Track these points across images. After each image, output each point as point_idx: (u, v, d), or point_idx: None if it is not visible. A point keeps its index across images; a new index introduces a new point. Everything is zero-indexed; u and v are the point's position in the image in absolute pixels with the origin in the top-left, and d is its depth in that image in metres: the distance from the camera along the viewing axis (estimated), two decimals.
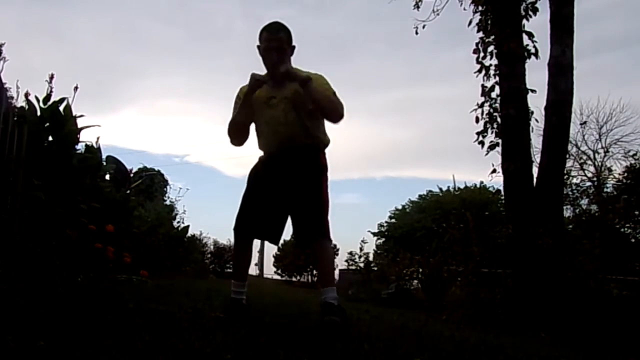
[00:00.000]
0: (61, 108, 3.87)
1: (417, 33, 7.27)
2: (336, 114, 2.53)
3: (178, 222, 8.42)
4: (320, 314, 2.40)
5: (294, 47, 2.60)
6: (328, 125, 2.66)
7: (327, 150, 2.70)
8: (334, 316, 2.31)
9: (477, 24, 6.14)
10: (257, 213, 2.58)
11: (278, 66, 2.52)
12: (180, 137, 47.15)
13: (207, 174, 39.98)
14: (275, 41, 2.53)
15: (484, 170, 7.13)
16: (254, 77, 2.52)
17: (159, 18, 41.81)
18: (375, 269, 10.00)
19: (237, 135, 2.69)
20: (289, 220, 2.65)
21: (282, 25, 2.58)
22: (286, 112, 2.54)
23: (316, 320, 2.45)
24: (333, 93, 2.56)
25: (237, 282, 2.63)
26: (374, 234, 20.25)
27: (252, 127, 2.72)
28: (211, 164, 49.29)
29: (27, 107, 3.71)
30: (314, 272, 15.39)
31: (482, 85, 6.15)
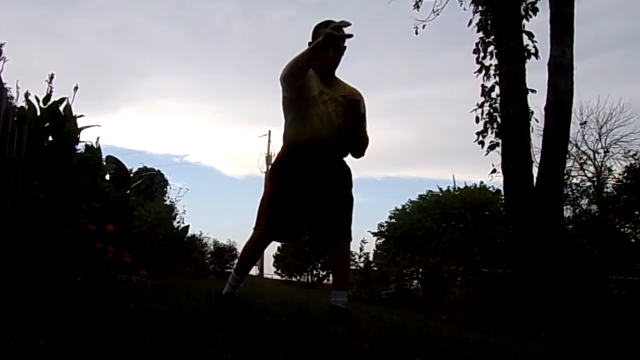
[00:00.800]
0: (61, 108, 3.87)
1: (417, 33, 7.27)
2: (361, 155, 2.69)
3: (178, 222, 8.42)
4: (327, 318, 2.33)
5: (345, 47, 2.57)
6: None
7: None
8: (342, 327, 2.24)
9: (477, 24, 6.14)
10: (286, 211, 2.51)
11: (333, 63, 2.55)
12: (179, 137, 47.18)
13: (206, 174, 40.03)
14: (336, 37, 2.40)
15: (484, 170, 7.15)
16: (334, 31, 2.31)
17: (158, 18, 41.83)
18: (375, 269, 10.00)
19: (295, 75, 2.45)
20: None
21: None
22: (337, 114, 2.54)
23: (321, 324, 2.42)
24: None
25: (240, 277, 2.64)
26: (374, 234, 20.25)
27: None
28: (211, 164, 49.37)
29: (27, 107, 3.71)
30: (314, 272, 15.40)
31: (482, 85, 6.16)
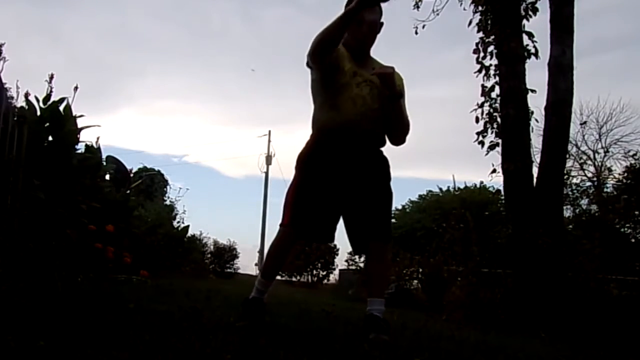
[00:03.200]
0: (61, 108, 3.87)
1: (417, 33, 7.28)
2: (402, 141, 2.40)
3: (178, 222, 8.43)
4: (364, 328, 2.18)
5: (382, 23, 2.33)
6: None
7: None
8: (382, 334, 2.10)
9: (477, 24, 6.15)
10: (315, 206, 2.26)
11: (367, 42, 2.30)
12: (178, 137, 47.18)
13: (205, 174, 39.97)
14: (374, 15, 2.23)
15: (484, 170, 7.14)
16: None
17: (156, 18, 41.79)
18: None
19: (326, 48, 2.19)
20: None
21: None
22: (372, 97, 2.27)
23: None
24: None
25: (266, 281, 2.37)
26: None
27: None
28: (210, 164, 49.23)
29: (27, 107, 3.71)
30: (314, 272, 15.39)
31: (482, 85, 6.16)
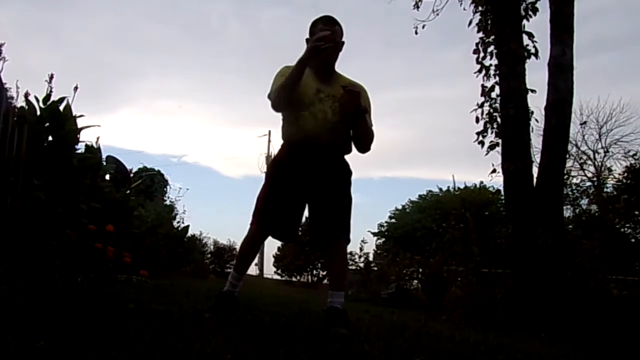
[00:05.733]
0: (61, 108, 3.87)
1: (416, 33, 7.27)
2: (367, 149, 2.62)
3: (178, 222, 8.43)
4: (325, 320, 2.36)
5: (343, 42, 2.54)
6: None
7: None
8: (341, 327, 2.26)
9: (477, 24, 6.14)
10: (280, 208, 2.51)
11: (330, 61, 2.51)
12: (177, 137, 47.16)
13: (205, 174, 40.01)
14: (332, 34, 2.42)
15: (484, 170, 7.14)
16: (317, 43, 2.31)
17: (154, 18, 41.86)
18: (375, 269, 10.00)
19: (285, 99, 2.47)
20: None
21: (337, 20, 2.51)
22: (334, 110, 2.49)
23: (320, 325, 2.42)
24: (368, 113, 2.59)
25: (238, 275, 2.60)
26: (374, 234, 20.26)
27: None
28: (209, 164, 49.32)
29: (27, 107, 3.71)
30: (314, 272, 15.38)
31: (482, 85, 6.15)
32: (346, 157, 2.65)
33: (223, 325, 2.16)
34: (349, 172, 2.62)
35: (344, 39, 2.54)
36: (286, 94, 2.44)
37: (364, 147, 2.63)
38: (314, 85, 2.51)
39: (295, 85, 2.41)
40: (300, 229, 2.83)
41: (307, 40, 2.50)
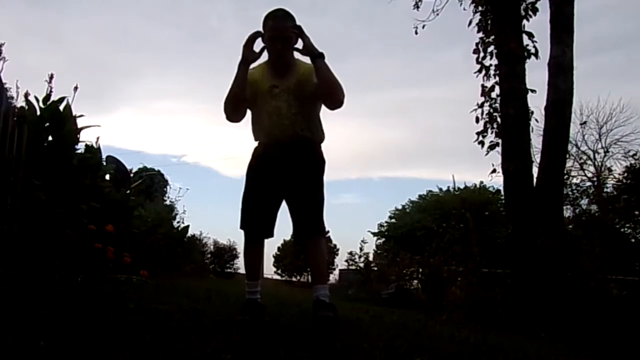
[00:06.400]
0: (61, 108, 3.87)
1: (416, 33, 7.30)
2: (337, 98, 2.45)
3: (178, 222, 8.43)
4: (313, 310, 2.38)
5: (298, 31, 2.46)
6: (324, 116, 2.62)
7: (323, 148, 2.65)
8: (328, 311, 2.30)
9: (477, 24, 6.15)
10: (260, 210, 2.53)
11: (283, 56, 2.48)
12: (177, 137, 47.15)
13: (204, 174, 39.98)
14: (281, 30, 2.43)
15: (484, 170, 7.15)
16: (248, 48, 2.43)
17: (155, 19, 41.89)
18: (375, 269, 10.01)
19: (233, 109, 2.53)
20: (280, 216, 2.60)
21: (287, 12, 2.49)
22: (289, 103, 2.47)
23: (309, 318, 2.44)
24: None
25: (250, 281, 2.58)
26: (374, 234, 20.27)
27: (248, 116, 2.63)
28: (208, 164, 49.25)
29: (27, 107, 3.71)
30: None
31: (482, 85, 6.17)
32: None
33: (223, 325, 2.16)
34: (318, 164, 2.58)
35: (299, 23, 2.47)
36: (231, 107, 2.50)
37: (332, 98, 2.46)
38: (268, 82, 2.50)
39: (239, 91, 2.46)
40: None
41: (261, 35, 2.49)
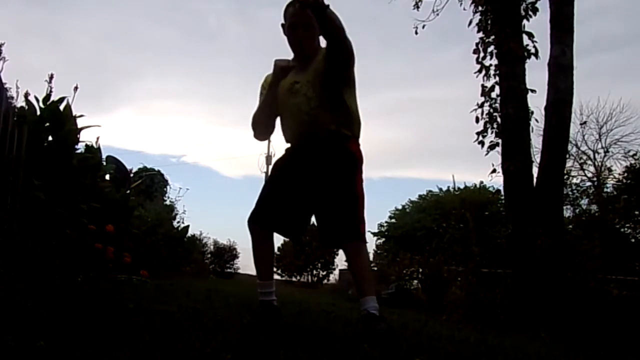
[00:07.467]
0: (61, 108, 3.87)
1: (416, 33, 7.30)
2: (346, 50, 2.22)
3: (178, 222, 8.43)
4: (363, 325, 2.20)
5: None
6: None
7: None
8: (381, 323, 2.15)
9: (477, 24, 6.15)
10: (276, 204, 2.35)
11: (305, 45, 2.33)
12: (176, 138, 47.10)
13: (204, 174, 39.93)
14: (302, 17, 2.25)
15: (484, 170, 7.15)
16: (279, 65, 2.28)
17: (153, 19, 41.83)
18: (375, 269, 10.00)
19: (261, 129, 2.50)
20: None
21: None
22: (309, 98, 2.31)
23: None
24: None
25: (262, 281, 2.39)
26: (374, 234, 20.24)
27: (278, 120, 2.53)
28: (208, 164, 49.24)
29: (27, 107, 3.71)
30: (314, 272, 15.39)
31: (482, 85, 6.17)
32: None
33: (223, 325, 2.16)
34: (350, 162, 2.35)
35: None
36: (263, 126, 2.49)
37: (341, 47, 2.19)
38: (290, 79, 2.35)
39: (268, 114, 2.44)
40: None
41: (282, 25, 2.37)
